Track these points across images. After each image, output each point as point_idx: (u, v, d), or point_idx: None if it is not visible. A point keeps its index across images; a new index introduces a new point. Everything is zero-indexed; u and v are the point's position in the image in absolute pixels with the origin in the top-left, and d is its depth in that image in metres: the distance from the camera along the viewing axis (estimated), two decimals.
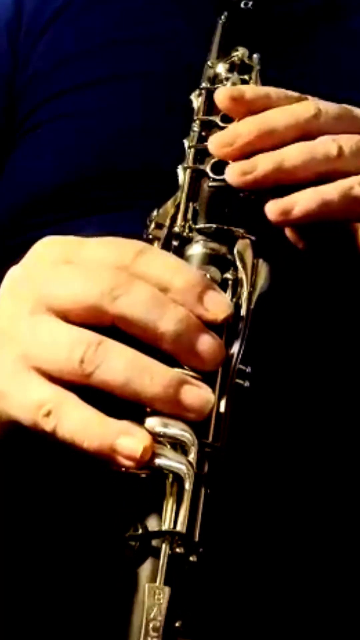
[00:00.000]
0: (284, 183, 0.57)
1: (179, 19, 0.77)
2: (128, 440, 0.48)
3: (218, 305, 0.52)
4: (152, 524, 0.49)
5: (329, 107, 0.60)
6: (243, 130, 0.58)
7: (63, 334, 0.51)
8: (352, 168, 0.57)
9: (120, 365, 0.49)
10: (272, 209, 0.56)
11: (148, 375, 0.49)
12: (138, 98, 0.74)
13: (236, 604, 0.56)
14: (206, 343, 0.51)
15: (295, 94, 0.61)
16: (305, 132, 0.58)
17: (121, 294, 0.50)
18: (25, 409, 0.50)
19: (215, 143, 0.59)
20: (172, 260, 0.54)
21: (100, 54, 0.77)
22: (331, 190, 0.56)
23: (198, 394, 0.50)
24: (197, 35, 0.72)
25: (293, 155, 0.57)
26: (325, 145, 0.58)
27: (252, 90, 0.61)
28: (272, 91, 0.61)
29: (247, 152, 0.58)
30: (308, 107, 0.59)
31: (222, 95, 0.60)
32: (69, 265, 0.53)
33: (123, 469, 0.49)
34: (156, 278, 0.51)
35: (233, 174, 0.58)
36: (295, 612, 0.57)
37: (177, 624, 0.47)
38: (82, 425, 0.49)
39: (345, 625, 0.58)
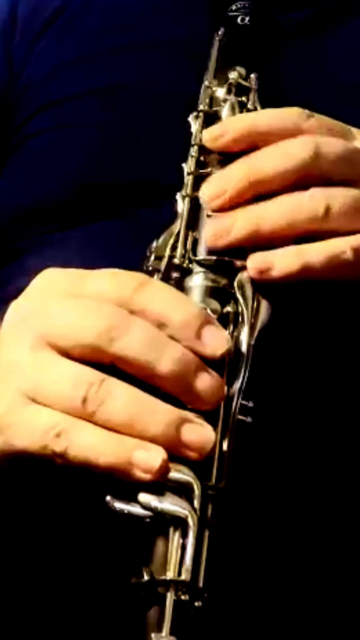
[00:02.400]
0: (262, 244, 0.56)
1: (176, 27, 0.76)
2: (145, 453, 0.49)
3: (216, 340, 0.52)
4: (157, 569, 0.50)
5: (331, 146, 0.58)
6: (231, 182, 0.58)
7: (65, 371, 0.51)
8: (339, 228, 0.56)
9: (122, 404, 0.50)
10: (251, 266, 0.56)
11: (149, 414, 0.50)
12: (135, 108, 0.73)
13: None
14: (205, 382, 0.51)
15: (292, 117, 0.59)
16: (300, 178, 0.57)
17: (118, 336, 0.51)
18: (34, 435, 0.51)
19: (207, 194, 0.58)
20: (171, 293, 0.54)
21: (95, 62, 0.76)
22: (316, 253, 0.56)
23: (199, 433, 0.51)
24: (195, 44, 0.71)
25: (272, 217, 0.56)
26: (312, 203, 0.56)
27: (236, 124, 0.60)
28: (262, 118, 0.60)
29: (239, 202, 0.57)
30: (305, 146, 0.57)
31: (207, 137, 0.60)
32: (71, 300, 0.53)
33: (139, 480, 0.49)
34: (155, 313, 0.52)
35: (209, 237, 0.57)
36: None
37: None
38: (96, 441, 0.50)
39: None
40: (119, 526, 0.52)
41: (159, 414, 0.50)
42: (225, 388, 0.53)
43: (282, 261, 0.55)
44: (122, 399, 0.50)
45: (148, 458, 0.49)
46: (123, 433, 0.50)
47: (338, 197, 0.57)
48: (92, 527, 0.55)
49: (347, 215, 0.56)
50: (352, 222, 0.56)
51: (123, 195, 0.70)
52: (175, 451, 0.50)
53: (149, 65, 0.74)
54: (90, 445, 0.50)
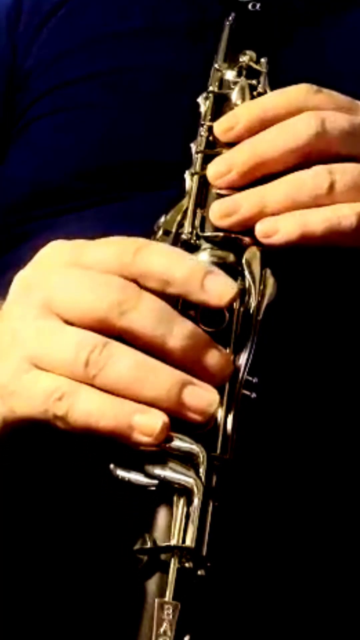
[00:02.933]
0: None
1: (182, 12, 0.76)
2: (146, 416, 0.49)
3: (221, 288, 0.52)
4: (160, 537, 0.49)
5: (336, 122, 0.58)
6: (237, 161, 0.58)
7: (69, 336, 0.51)
8: (344, 202, 0.57)
9: (124, 366, 0.50)
10: (257, 229, 0.57)
11: (152, 376, 0.50)
12: (138, 91, 0.73)
13: (243, 616, 0.56)
14: (214, 358, 0.51)
15: (300, 95, 0.60)
16: (304, 155, 0.57)
17: (129, 309, 0.51)
18: (35, 399, 0.51)
19: (213, 173, 0.59)
20: (171, 252, 0.54)
21: (101, 46, 0.76)
22: (318, 220, 0.56)
23: (202, 395, 0.50)
24: (201, 29, 0.71)
25: (277, 196, 0.57)
26: (316, 180, 0.57)
27: (244, 114, 0.60)
28: (270, 103, 0.60)
29: (245, 181, 0.58)
30: (309, 123, 0.58)
31: (218, 130, 0.61)
32: (75, 269, 0.53)
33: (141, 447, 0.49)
34: (158, 273, 0.52)
35: (215, 215, 0.58)
36: (305, 626, 0.58)
37: (186, 639, 0.47)
38: (96, 405, 0.49)
39: (352, 632, 0.59)
40: (122, 495, 0.51)
41: (161, 376, 0.50)
42: (232, 361, 0.53)
43: (284, 228, 0.56)
44: (124, 361, 0.50)
45: (149, 421, 0.49)
46: (125, 396, 0.50)
47: (342, 172, 0.57)
48: (95, 496, 0.55)
49: (352, 190, 0.57)
50: (357, 196, 0.57)
51: (128, 177, 0.70)
52: (178, 414, 0.50)
53: (152, 48, 0.75)
54: (91, 408, 0.49)
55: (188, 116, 0.64)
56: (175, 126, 0.63)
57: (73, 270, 0.53)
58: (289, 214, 0.56)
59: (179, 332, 0.50)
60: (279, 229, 0.56)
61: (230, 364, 0.52)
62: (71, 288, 0.52)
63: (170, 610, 0.47)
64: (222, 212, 0.57)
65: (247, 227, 0.57)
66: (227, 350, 0.53)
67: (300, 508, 0.59)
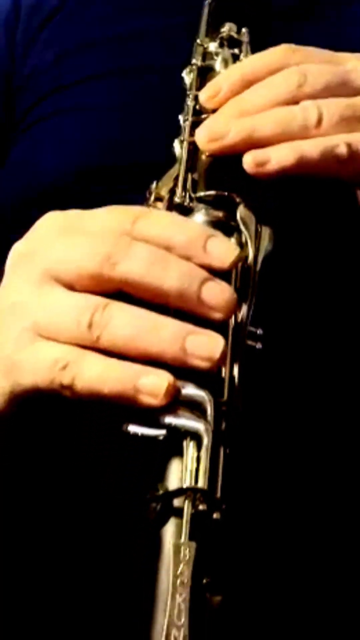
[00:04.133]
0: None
1: (179, 14, 0.78)
2: (151, 377, 0.48)
3: (224, 250, 0.52)
4: (172, 484, 0.48)
5: (317, 72, 0.59)
6: (224, 120, 0.58)
7: (69, 301, 0.51)
8: (331, 134, 0.57)
9: (126, 323, 0.49)
10: (247, 160, 0.56)
11: (154, 330, 0.49)
12: (139, 92, 0.74)
13: (260, 560, 0.55)
14: (214, 290, 0.50)
15: (279, 55, 0.60)
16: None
17: (121, 259, 0.50)
18: (40, 369, 0.50)
19: (202, 138, 0.59)
20: (171, 218, 0.54)
21: (101, 48, 0.77)
22: (311, 147, 0.56)
23: (206, 342, 0.50)
24: (195, 30, 0.72)
25: (266, 125, 0.57)
26: (304, 113, 0.57)
27: (227, 79, 0.61)
28: (250, 65, 0.61)
29: (235, 148, 0.57)
30: (289, 76, 0.58)
31: (203, 97, 0.61)
32: (71, 235, 0.53)
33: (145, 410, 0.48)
34: (158, 238, 0.51)
35: (202, 137, 0.58)
36: (319, 568, 0.56)
37: (204, 581, 0.46)
38: (101, 370, 0.49)
39: None
40: (132, 450, 0.50)
41: (164, 328, 0.49)
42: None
43: (278, 154, 0.56)
44: (126, 318, 0.50)
45: (154, 382, 0.48)
46: (130, 353, 0.49)
47: (330, 105, 0.57)
48: (105, 453, 0.54)
49: (340, 123, 0.57)
50: (346, 127, 0.57)
51: (128, 179, 0.70)
52: (185, 363, 0.49)
53: (151, 50, 0.76)
54: (96, 374, 0.49)
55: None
56: (176, 128, 0.63)
57: (68, 237, 0.53)
58: (282, 144, 0.56)
59: (174, 271, 0.50)
60: (271, 156, 0.56)
61: (233, 294, 0.51)
62: (66, 252, 0.52)
63: (187, 551, 0.45)
64: (210, 135, 0.57)
65: (235, 152, 0.57)
66: None
67: (310, 455, 0.58)
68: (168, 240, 0.51)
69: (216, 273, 0.53)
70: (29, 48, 0.79)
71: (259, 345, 0.54)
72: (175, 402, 0.49)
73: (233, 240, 0.56)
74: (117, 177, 0.70)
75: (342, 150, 0.56)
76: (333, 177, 0.58)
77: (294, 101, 0.58)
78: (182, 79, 0.66)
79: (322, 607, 0.57)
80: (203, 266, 0.51)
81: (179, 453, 0.49)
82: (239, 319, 0.53)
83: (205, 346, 0.49)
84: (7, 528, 0.57)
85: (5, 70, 0.79)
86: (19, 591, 0.56)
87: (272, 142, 0.57)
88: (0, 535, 0.56)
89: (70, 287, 0.52)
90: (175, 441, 0.49)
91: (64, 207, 0.69)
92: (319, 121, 0.57)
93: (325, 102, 0.57)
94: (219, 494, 0.48)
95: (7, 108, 0.78)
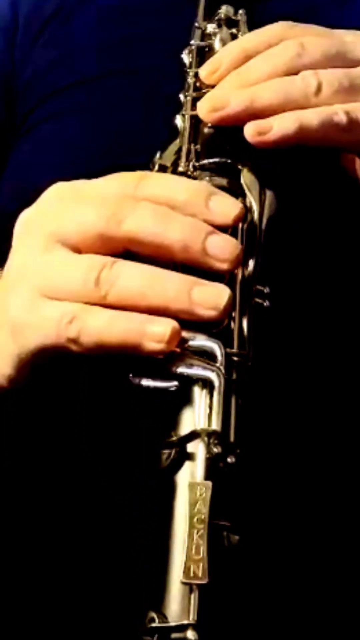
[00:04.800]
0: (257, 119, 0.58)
1: (180, 16, 0.79)
2: (155, 324, 0.49)
3: (226, 207, 0.52)
4: (185, 430, 0.48)
5: (315, 43, 0.60)
6: (225, 92, 0.59)
7: (77, 262, 0.51)
8: (331, 103, 0.58)
9: (133, 279, 0.50)
10: (249, 129, 0.57)
11: (161, 283, 0.50)
12: (141, 93, 0.75)
13: (274, 507, 0.54)
14: (218, 242, 0.51)
15: (277, 30, 0.61)
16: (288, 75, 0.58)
17: (125, 217, 0.51)
18: (46, 327, 0.51)
19: (204, 109, 0.60)
20: (173, 178, 0.55)
21: (102, 50, 0.78)
22: (311, 116, 0.57)
23: (211, 291, 0.50)
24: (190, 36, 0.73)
25: (266, 94, 0.58)
26: (304, 82, 0.58)
27: (227, 54, 0.62)
28: (248, 41, 0.62)
29: (236, 117, 0.58)
30: (288, 47, 0.59)
31: (203, 74, 0.62)
32: (77, 200, 0.54)
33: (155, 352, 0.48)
34: (160, 198, 0.52)
35: (203, 108, 0.59)
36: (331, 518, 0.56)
37: (221, 521, 0.46)
38: (107, 321, 0.49)
39: None
40: (145, 403, 0.51)
41: (169, 282, 0.50)
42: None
43: (279, 123, 0.56)
44: (133, 274, 0.50)
45: (158, 328, 0.49)
46: (137, 308, 0.50)
47: (329, 74, 0.58)
48: (117, 409, 0.54)
49: (339, 92, 0.58)
50: (345, 97, 0.58)
51: None
52: (192, 314, 0.50)
53: (148, 54, 0.77)
54: (102, 325, 0.49)
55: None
56: (172, 131, 0.64)
57: (74, 202, 0.54)
58: (282, 113, 0.57)
59: (178, 226, 0.51)
60: (273, 125, 0.57)
61: (237, 245, 0.52)
62: (73, 215, 0.53)
63: (204, 490, 0.45)
64: (211, 106, 0.58)
65: (236, 123, 0.58)
66: None
67: (319, 411, 0.59)
68: (170, 199, 0.52)
69: (222, 230, 0.54)
70: (28, 52, 0.80)
71: (266, 303, 0.54)
72: (186, 352, 0.50)
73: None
74: None
75: (342, 118, 0.57)
76: (334, 145, 0.58)
77: (294, 72, 0.59)
78: (181, 59, 0.67)
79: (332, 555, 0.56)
80: (207, 222, 0.52)
81: (191, 400, 0.49)
82: (246, 275, 0.54)
83: (211, 296, 0.50)
84: (16, 492, 0.57)
85: (6, 74, 0.80)
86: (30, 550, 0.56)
87: (273, 111, 0.57)
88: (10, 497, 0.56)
89: (77, 249, 0.52)
90: (186, 389, 0.49)
91: None
92: (319, 90, 0.57)
93: (324, 72, 0.58)
94: (232, 438, 0.48)
95: (8, 111, 0.79)
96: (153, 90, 0.74)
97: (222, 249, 0.51)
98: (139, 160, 0.70)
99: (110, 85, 0.76)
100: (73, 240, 0.52)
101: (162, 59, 0.75)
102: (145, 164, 0.69)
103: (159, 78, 0.74)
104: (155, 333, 0.48)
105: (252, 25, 0.67)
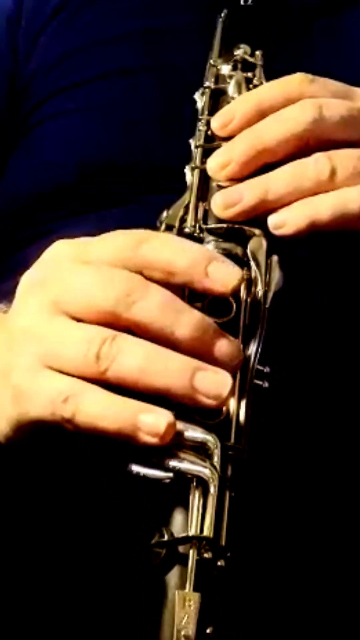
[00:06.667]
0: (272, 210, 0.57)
1: (182, 13, 0.77)
2: (150, 416, 0.48)
3: (225, 275, 0.51)
4: (178, 529, 0.48)
5: (333, 108, 0.58)
6: (237, 152, 0.58)
7: (78, 333, 0.51)
8: (345, 187, 0.57)
9: (135, 356, 0.49)
10: (269, 221, 0.57)
11: (163, 364, 0.49)
12: (143, 92, 0.74)
13: (264, 606, 0.55)
14: (223, 347, 0.51)
15: (295, 85, 0.59)
16: (303, 143, 0.57)
17: (136, 301, 0.50)
18: (43, 401, 0.50)
19: (214, 165, 0.59)
20: (174, 241, 0.54)
21: (104, 48, 0.77)
22: (324, 207, 0.56)
23: (214, 379, 0.50)
24: (201, 30, 0.71)
25: (279, 184, 0.57)
26: (317, 167, 0.57)
27: (240, 107, 0.60)
28: (266, 94, 0.60)
29: (246, 172, 0.58)
30: (306, 110, 0.58)
31: (215, 124, 0.60)
32: (81, 265, 0.53)
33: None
34: (161, 263, 0.51)
35: (218, 207, 0.57)
36: (324, 615, 0.57)
37: (208, 631, 0.46)
38: (101, 406, 0.49)
39: None
40: (137, 491, 0.50)
41: (172, 364, 0.49)
42: (242, 350, 0.53)
43: (292, 219, 0.56)
44: (135, 351, 0.49)
45: (153, 421, 0.48)
46: (138, 387, 0.49)
47: (343, 158, 0.57)
48: (110, 493, 0.54)
49: (354, 175, 0.56)
50: (359, 180, 0.56)
51: (132, 180, 0.70)
52: (192, 400, 0.49)
53: (154, 50, 0.75)
54: (96, 409, 0.49)
55: (193, 118, 0.64)
56: (179, 129, 0.63)
57: (78, 267, 0.53)
58: (295, 204, 0.56)
59: (187, 321, 0.50)
60: (286, 221, 0.56)
61: (240, 352, 0.51)
62: (77, 285, 0.52)
63: (191, 602, 0.46)
64: (225, 202, 0.57)
65: (250, 217, 0.57)
66: (239, 340, 0.53)
67: (316, 496, 0.58)
68: (170, 264, 0.51)
69: (224, 309, 0.53)
70: (31, 49, 0.78)
71: (266, 384, 0.54)
72: (182, 445, 0.50)
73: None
74: (119, 176, 0.70)
75: (356, 205, 0.56)
76: (348, 230, 0.57)
77: (308, 137, 0.57)
78: (194, 101, 0.65)
79: None
80: (205, 290, 0.51)
81: (185, 497, 0.49)
82: (247, 356, 0.53)
83: (214, 384, 0.49)
84: (7, 559, 0.57)
85: (9, 72, 0.78)
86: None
87: (287, 201, 0.56)
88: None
89: (80, 319, 0.52)
90: (181, 485, 0.49)
91: (67, 207, 0.70)
92: (332, 174, 0.56)
93: (338, 155, 0.57)
94: (223, 542, 0.48)
95: (11, 109, 0.77)
96: (157, 88, 0.73)
97: (227, 354, 0.50)
98: (141, 160, 0.69)
99: (114, 84, 0.74)
100: (76, 311, 0.52)
101: (166, 57, 0.74)
102: (146, 163, 0.69)
103: (163, 76, 0.73)
104: (149, 426, 0.48)
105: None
